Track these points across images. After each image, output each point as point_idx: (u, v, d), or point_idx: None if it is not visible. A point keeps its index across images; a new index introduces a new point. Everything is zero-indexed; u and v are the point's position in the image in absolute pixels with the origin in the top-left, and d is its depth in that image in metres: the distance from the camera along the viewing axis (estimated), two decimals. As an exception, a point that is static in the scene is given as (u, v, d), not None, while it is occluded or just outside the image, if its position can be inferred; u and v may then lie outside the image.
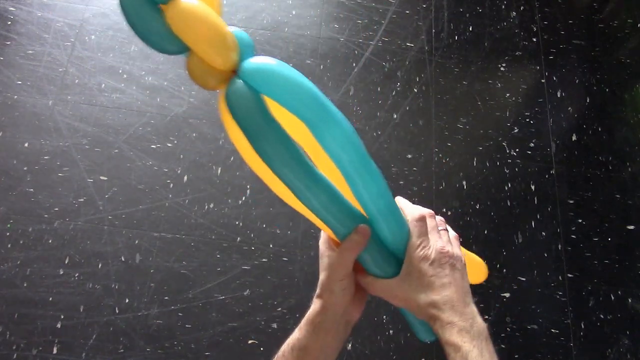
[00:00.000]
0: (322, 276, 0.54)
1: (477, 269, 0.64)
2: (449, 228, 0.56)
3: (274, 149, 0.45)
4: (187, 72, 0.46)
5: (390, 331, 1.35)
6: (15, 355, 1.24)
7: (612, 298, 1.45)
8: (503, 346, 1.36)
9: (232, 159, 1.52)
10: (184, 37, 0.44)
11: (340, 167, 0.47)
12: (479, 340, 0.47)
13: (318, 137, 0.46)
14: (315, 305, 0.54)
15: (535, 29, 1.86)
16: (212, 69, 0.45)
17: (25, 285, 1.32)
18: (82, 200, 1.43)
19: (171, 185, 1.47)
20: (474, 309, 0.50)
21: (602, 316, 1.42)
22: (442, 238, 0.53)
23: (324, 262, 0.54)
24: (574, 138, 1.67)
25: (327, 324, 0.53)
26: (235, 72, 0.46)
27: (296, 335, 0.53)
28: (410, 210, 0.55)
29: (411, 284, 0.52)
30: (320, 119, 0.45)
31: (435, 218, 0.55)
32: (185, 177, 1.49)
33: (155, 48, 0.45)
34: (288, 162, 0.46)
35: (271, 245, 1.42)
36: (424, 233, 0.53)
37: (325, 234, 0.55)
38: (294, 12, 1.78)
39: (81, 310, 1.30)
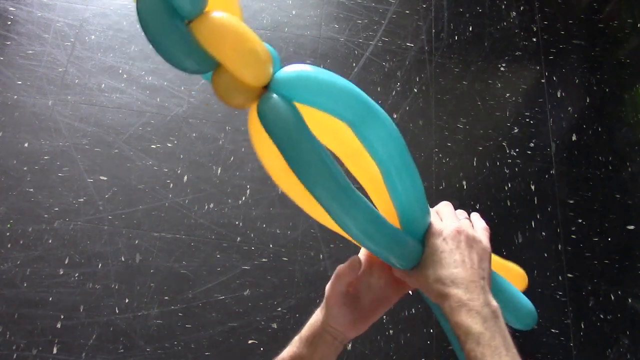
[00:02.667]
0: (325, 294, 0.54)
1: (514, 279, 0.61)
2: (478, 219, 0.55)
3: (314, 169, 0.42)
4: (215, 90, 0.42)
5: (390, 331, 1.35)
6: (15, 355, 1.24)
7: (612, 298, 1.45)
8: (503, 346, 1.36)
9: (232, 159, 1.52)
10: (216, 52, 0.40)
11: (382, 165, 0.46)
12: (491, 322, 0.44)
13: (360, 136, 0.44)
14: (316, 317, 0.54)
15: (535, 29, 1.86)
16: (242, 85, 0.42)
17: (25, 285, 1.32)
18: (82, 200, 1.43)
19: (171, 185, 1.47)
20: (487, 291, 0.47)
21: (602, 316, 1.42)
22: (460, 221, 0.52)
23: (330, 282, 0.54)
24: (574, 138, 1.67)
25: (327, 337, 0.53)
26: (265, 87, 0.43)
27: (295, 347, 0.54)
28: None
29: (424, 262, 0.50)
30: (362, 118, 0.43)
31: (452, 207, 0.54)
32: (185, 177, 1.49)
33: (179, 66, 0.41)
34: (327, 182, 0.42)
35: (271, 245, 1.42)
36: (441, 214, 0.52)
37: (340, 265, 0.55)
38: (294, 12, 1.78)
39: (81, 310, 1.30)
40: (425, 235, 0.51)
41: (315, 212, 0.49)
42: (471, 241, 0.50)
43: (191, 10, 0.39)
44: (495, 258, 0.58)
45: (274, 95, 0.42)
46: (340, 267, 0.53)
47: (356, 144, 0.47)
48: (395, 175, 0.47)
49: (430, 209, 0.53)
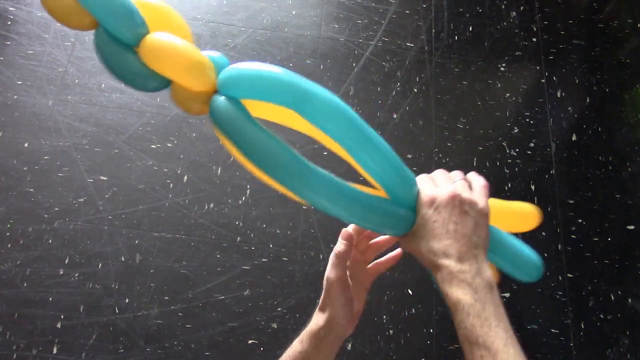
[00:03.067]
0: (323, 292, 0.55)
1: (522, 218, 0.60)
2: (476, 176, 0.52)
3: (265, 156, 0.45)
4: (174, 102, 0.47)
5: (390, 331, 1.35)
6: (15, 355, 1.24)
7: (612, 298, 1.45)
8: (503, 346, 1.36)
9: (232, 159, 1.52)
10: (160, 70, 0.45)
11: (340, 142, 0.47)
12: (482, 293, 0.44)
13: (307, 119, 0.46)
14: (318, 319, 0.54)
15: (535, 29, 1.86)
16: (194, 93, 0.47)
17: (25, 285, 1.32)
18: (82, 200, 1.43)
19: (171, 185, 1.47)
20: (481, 260, 0.46)
21: (602, 316, 1.42)
22: (454, 184, 0.49)
23: (325, 279, 0.55)
24: (574, 138, 1.67)
25: (330, 337, 0.53)
26: (216, 91, 0.47)
27: (298, 348, 0.54)
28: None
29: (417, 232, 0.49)
30: (298, 101, 0.46)
31: (447, 172, 0.52)
32: (185, 177, 1.49)
33: (139, 88, 0.46)
34: (278, 163, 0.46)
35: (271, 245, 1.42)
36: (435, 180, 0.50)
37: (334, 250, 0.55)
38: (294, 12, 1.78)
39: (81, 310, 1.30)
40: (417, 204, 0.49)
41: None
42: (466, 205, 0.47)
43: (130, 39, 0.45)
44: (498, 203, 0.57)
45: (218, 97, 0.47)
46: (336, 248, 0.53)
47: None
48: (357, 148, 0.47)
49: (425, 175, 0.52)
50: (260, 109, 0.49)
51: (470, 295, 0.43)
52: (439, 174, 0.51)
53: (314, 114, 0.46)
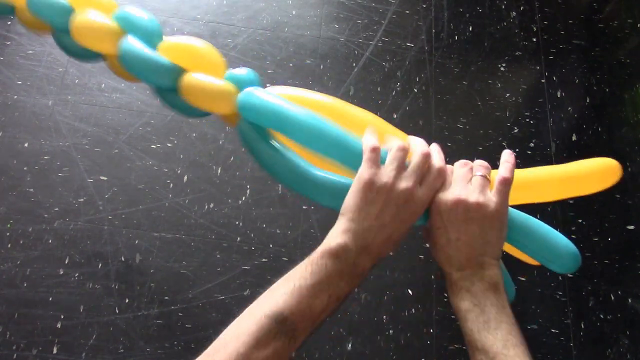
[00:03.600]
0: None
1: (597, 177, 0.59)
2: (500, 170, 0.51)
3: (276, 170, 0.54)
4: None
5: (390, 331, 1.35)
6: (15, 355, 1.24)
7: (612, 298, 1.45)
8: (503, 346, 1.36)
9: (232, 159, 1.52)
10: (196, 106, 0.58)
11: (307, 144, 0.53)
12: (483, 298, 0.43)
13: (290, 137, 0.54)
14: (365, 261, 0.46)
15: (535, 29, 1.86)
16: (227, 116, 0.58)
17: (25, 285, 1.32)
18: (82, 200, 1.43)
19: (171, 185, 1.47)
20: (487, 265, 0.45)
21: (602, 316, 1.42)
22: (468, 184, 0.48)
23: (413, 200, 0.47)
24: (574, 138, 1.67)
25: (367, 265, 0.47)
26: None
27: (345, 289, 0.46)
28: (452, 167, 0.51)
29: (426, 233, 0.49)
30: (284, 128, 0.53)
31: (468, 166, 0.50)
32: (185, 177, 1.49)
33: (190, 116, 0.62)
34: (289, 177, 0.54)
35: (271, 245, 1.42)
36: (453, 177, 0.49)
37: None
38: (294, 12, 1.78)
39: (81, 310, 1.30)
40: (429, 207, 0.48)
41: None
42: (471, 212, 0.46)
43: (170, 85, 0.58)
44: (562, 170, 0.58)
45: (241, 121, 0.56)
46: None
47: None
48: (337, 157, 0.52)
49: (447, 167, 0.50)
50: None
51: (469, 301, 0.43)
52: (459, 168, 0.50)
53: (296, 138, 0.53)
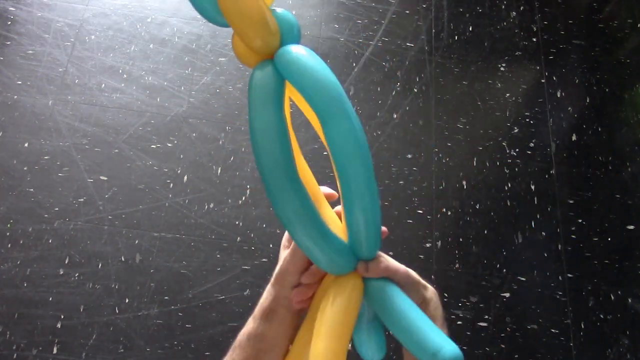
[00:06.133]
0: (277, 267, 0.52)
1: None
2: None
3: (262, 138, 0.43)
4: (233, 47, 0.46)
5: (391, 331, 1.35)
6: (15, 355, 1.24)
7: (612, 298, 1.45)
8: (503, 346, 1.36)
9: (232, 158, 1.52)
10: (226, 16, 0.44)
11: (337, 164, 0.44)
12: None
13: (324, 130, 0.45)
14: (268, 294, 0.52)
15: (535, 29, 1.86)
16: (249, 51, 0.45)
17: (25, 285, 1.32)
18: (82, 200, 1.43)
19: (171, 185, 1.47)
20: None
21: (602, 316, 1.42)
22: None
23: (281, 256, 0.52)
24: (574, 138, 1.67)
25: (281, 312, 0.51)
26: (271, 56, 0.45)
27: (251, 324, 0.52)
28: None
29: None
30: (330, 114, 0.45)
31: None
32: (185, 177, 1.49)
33: (209, 21, 0.45)
34: (272, 159, 0.43)
35: (271, 245, 1.42)
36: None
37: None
38: (294, 12, 1.78)
39: (81, 310, 1.30)
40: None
41: None
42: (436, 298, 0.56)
43: None
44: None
45: (268, 66, 0.45)
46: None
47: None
48: (355, 193, 0.44)
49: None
50: (298, 96, 0.47)
51: None
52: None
53: (334, 131, 0.44)
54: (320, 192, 0.52)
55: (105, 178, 1.46)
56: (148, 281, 1.35)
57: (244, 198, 1.47)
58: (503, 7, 1.90)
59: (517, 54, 1.81)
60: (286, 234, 0.54)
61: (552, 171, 1.61)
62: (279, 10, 0.47)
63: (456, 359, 0.42)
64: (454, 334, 1.42)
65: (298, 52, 0.46)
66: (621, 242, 1.53)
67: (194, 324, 1.31)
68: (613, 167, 1.63)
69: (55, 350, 1.26)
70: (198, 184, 1.48)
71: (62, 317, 1.29)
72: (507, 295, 1.43)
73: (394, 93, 1.68)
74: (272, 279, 0.52)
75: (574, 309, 1.43)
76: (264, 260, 1.40)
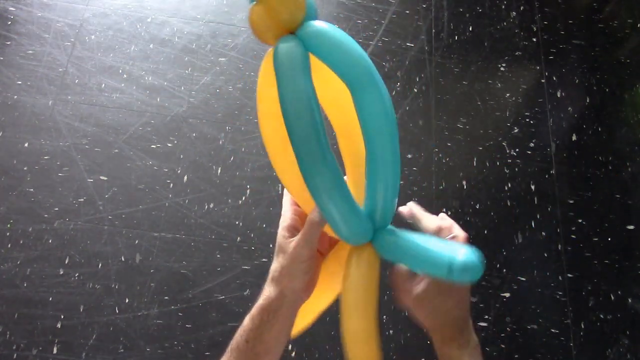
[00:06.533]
0: (281, 261, 0.52)
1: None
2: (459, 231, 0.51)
3: (297, 109, 0.44)
4: (249, 21, 0.46)
5: (390, 331, 1.35)
6: (15, 355, 1.24)
7: (612, 298, 1.45)
8: (503, 346, 1.36)
9: (232, 159, 1.52)
10: None
11: (366, 134, 0.46)
12: None
13: (356, 99, 0.46)
14: (270, 292, 0.51)
15: (535, 29, 1.86)
16: (274, 24, 0.45)
17: (25, 285, 1.32)
18: (82, 200, 1.43)
19: (171, 185, 1.47)
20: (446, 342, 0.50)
21: (602, 316, 1.42)
22: None
23: (286, 246, 0.52)
24: (574, 138, 1.67)
25: (284, 310, 0.50)
26: (292, 32, 0.46)
27: (249, 325, 0.50)
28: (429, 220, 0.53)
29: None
30: (361, 83, 0.45)
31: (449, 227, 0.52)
32: (185, 177, 1.49)
33: None
34: (305, 127, 0.43)
35: (271, 245, 1.41)
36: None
37: (284, 223, 0.54)
38: (294, 12, 1.78)
39: (81, 310, 1.30)
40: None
41: (283, 171, 0.50)
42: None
43: None
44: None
45: (292, 41, 0.45)
46: (311, 215, 0.50)
47: (354, 122, 0.48)
48: (379, 152, 0.47)
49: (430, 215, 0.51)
50: (319, 78, 0.48)
51: None
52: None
53: (366, 101, 0.45)
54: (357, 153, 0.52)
55: (105, 178, 1.46)
56: (148, 281, 1.35)
57: (244, 198, 1.47)
58: (503, 7, 1.90)
59: (517, 54, 1.81)
60: (281, 227, 0.54)
61: (552, 171, 1.61)
62: None
63: (471, 266, 0.41)
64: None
65: (324, 26, 0.46)
66: (621, 242, 1.53)
67: (194, 324, 1.31)
68: (613, 167, 1.63)
69: (55, 350, 1.26)
70: (198, 184, 1.48)
71: (62, 317, 1.29)
72: (507, 295, 1.43)
73: (394, 93, 1.68)
74: (271, 277, 0.52)
75: (574, 309, 1.43)
76: (264, 260, 1.40)
